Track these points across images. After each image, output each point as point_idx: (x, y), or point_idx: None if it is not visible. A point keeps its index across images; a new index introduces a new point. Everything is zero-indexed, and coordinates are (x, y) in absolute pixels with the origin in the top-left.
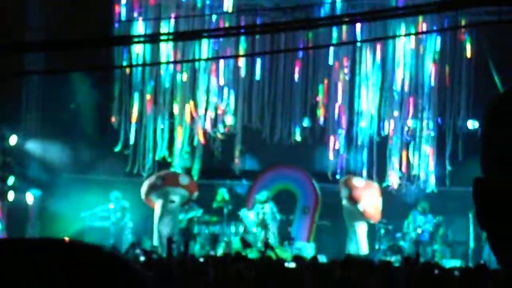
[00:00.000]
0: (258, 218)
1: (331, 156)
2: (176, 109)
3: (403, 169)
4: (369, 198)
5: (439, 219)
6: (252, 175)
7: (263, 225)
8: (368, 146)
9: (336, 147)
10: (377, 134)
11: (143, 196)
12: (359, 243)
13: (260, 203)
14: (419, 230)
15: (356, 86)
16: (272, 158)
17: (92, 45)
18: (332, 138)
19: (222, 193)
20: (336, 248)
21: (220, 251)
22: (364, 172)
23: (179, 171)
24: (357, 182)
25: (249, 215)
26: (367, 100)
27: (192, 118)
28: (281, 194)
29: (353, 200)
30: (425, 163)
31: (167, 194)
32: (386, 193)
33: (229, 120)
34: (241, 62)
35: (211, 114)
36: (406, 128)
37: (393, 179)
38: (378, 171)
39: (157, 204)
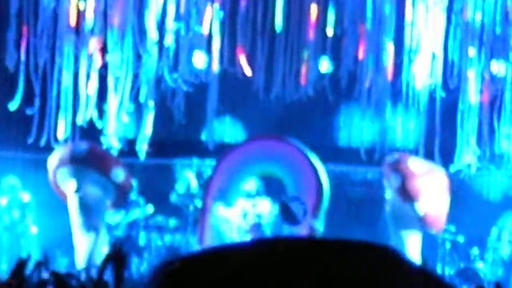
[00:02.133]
0: (247, 221)
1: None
2: (111, 37)
3: (484, 144)
4: (434, 193)
5: None
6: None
7: (257, 233)
8: (427, 107)
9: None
10: (442, 86)
11: (50, 174)
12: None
13: (248, 197)
14: None
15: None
16: (267, 125)
17: None
18: (366, 92)
19: (186, 180)
20: None
21: None
22: (421, 150)
23: (115, 148)
24: (416, 165)
25: (229, 217)
26: (426, 30)
27: (138, 55)
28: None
29: (408, 195)
30: None
31: (84, 175)
32: (454, 183)
33: (200, 59)
34: None
35: (169, 48)
36: (487, 77)
37: (468, 161)
38: (443, 148)
39: (69, 189)
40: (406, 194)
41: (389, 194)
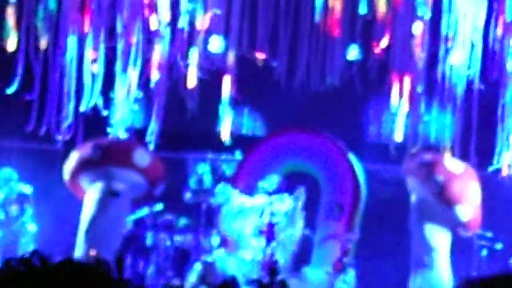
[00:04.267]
0: (262, 221)
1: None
2: (120, 24)
3: None
4: (472, 195)
5: None
6: (251, 146)
7: (272, 235)
8: (464, 100)
9: (406, 100)
10: (481, 79)
11: (67, 176)
12: (439, 271)
13: (266, 195)
14: None
15: None
16: (289, 116)
17: None
18: (398, 83)
19: (200, 176)
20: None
21: (192, 280)
22: (456, 148)
23: (127, 138)
24: (453, 165)
25: (244, 217)
26: (464, 17)
27: (149, 39)
28: (293, 181)
29: (448, 199)
30: None
31: (109, 178)
32: (492, 185)
33: (215, 44)
34: None
35: (182, 31)
36: None
37: (508, 161)
38: (480, 146)
39: (90, 194)
40: (446, 198)
41: (417, 196)
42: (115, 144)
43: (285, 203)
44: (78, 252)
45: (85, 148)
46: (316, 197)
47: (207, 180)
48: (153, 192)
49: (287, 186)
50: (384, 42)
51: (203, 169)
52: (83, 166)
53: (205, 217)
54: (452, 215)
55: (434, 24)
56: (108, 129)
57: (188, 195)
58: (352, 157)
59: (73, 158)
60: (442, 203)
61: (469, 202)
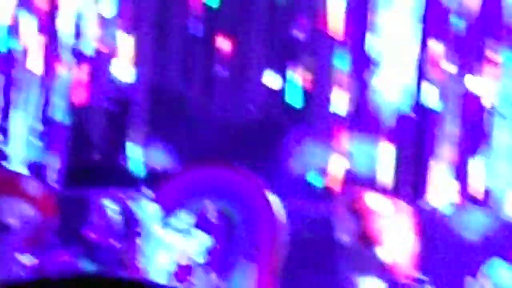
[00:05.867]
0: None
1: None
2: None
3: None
4: (399, 236)
5: None
6: (163, 182)
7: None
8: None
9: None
10: (413, 105)
11: None
12: None
13: (181, 232)
14: None
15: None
16: (204, 149)
17: None
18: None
19: (107, 215)
20: None
21: None
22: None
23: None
24: (376, 203)
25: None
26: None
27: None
28: (206, 220)
29: (368, 239)
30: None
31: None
32: (428, 223)
33: (124, 72)
34: None
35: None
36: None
37: (445, 197)
38: (414, 180)
39: None
40: (365, 238)
41: (344, 237)
42: (1, 172)
43: (197, 241)
44: None
45: None
46: (232, 236)
47: (115, 219)
48: (45, 227)
49: (200, 224)
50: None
51: (110, 206)
52: None
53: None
54: (374, 257)
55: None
56: (3, 163)
57: (94, 236)
58: (270, 194)
59: None
60: (362, 244)
61: (393, 244)
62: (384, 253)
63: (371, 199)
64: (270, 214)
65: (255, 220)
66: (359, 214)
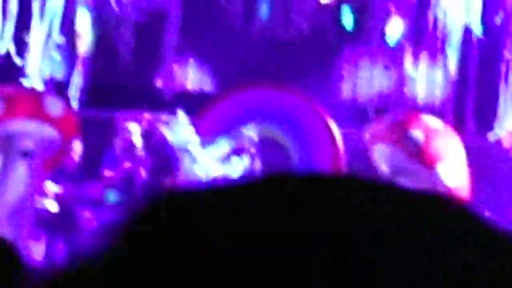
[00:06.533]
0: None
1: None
2: None
3: None
4: (456, 154)
5: None
6: (197, 103)
7: None
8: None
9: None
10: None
11: None
12: None
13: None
14: None
15: None
16: (244, 69)
17: None
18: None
19: (132, 141)
20: None
21: None
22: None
23: (40, 87)
24: (432, 121)
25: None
26: None
27: None
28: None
29: (427, 158)
30: None
31: (13, 137)
32: (492, 155)
33: None
34: None
35: None
36: None
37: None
38: (479, 109)
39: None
40: (426, 157)
41: (388, 167)
42: (21, 93)
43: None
44: None
45: None
46: (285, 167)
47: (140, 145)
48: (66, 147)
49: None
50: None
51: (134, 130)
52: None
53: (139, 192)
54: (433, 178)
55: None
56: (22, 80)
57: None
58: (329, 120)
59: None
60: (421, 165)
61: (452, 161)
62: (441, 171)
63: (425, 118)
64: (331, 142)
65: (313, 148)
66: (413, 132)
